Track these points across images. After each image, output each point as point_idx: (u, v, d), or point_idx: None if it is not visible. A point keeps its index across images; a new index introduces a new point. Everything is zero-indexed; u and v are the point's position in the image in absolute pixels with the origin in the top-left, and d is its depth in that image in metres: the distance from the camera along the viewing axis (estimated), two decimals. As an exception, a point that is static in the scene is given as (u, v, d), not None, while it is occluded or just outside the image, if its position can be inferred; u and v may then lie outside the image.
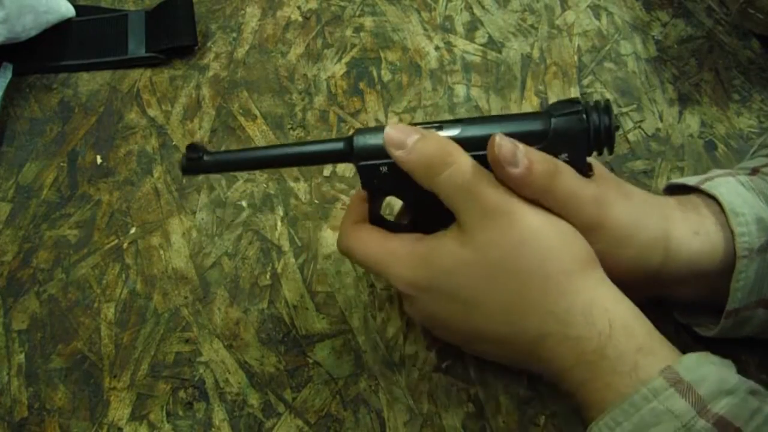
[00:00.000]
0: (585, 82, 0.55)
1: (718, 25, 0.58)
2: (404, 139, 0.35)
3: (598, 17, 0.59)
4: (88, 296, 0.46)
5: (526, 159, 0.33)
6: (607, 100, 0.36)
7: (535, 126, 0.35)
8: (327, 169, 0.51)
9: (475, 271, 0.34)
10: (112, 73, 0.56)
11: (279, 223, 0.49)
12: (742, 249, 0.36)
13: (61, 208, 0.49)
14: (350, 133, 0.38)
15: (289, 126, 0.53)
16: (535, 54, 0.57)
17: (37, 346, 0.44)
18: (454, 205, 0.35)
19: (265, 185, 0.50)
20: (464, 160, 0.34)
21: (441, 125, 0.37)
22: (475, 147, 0.35)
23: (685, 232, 0.37)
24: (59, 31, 0.56)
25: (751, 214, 0.36)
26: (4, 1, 0.51)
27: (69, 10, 0.57)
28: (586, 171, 0.36)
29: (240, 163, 0.39)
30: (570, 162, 0.35)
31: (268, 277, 0.46)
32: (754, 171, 0.40)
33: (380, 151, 0.36)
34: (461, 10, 0.60)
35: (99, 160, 0.52)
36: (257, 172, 0.51)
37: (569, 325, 0.33)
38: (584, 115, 0.35)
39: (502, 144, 0.33)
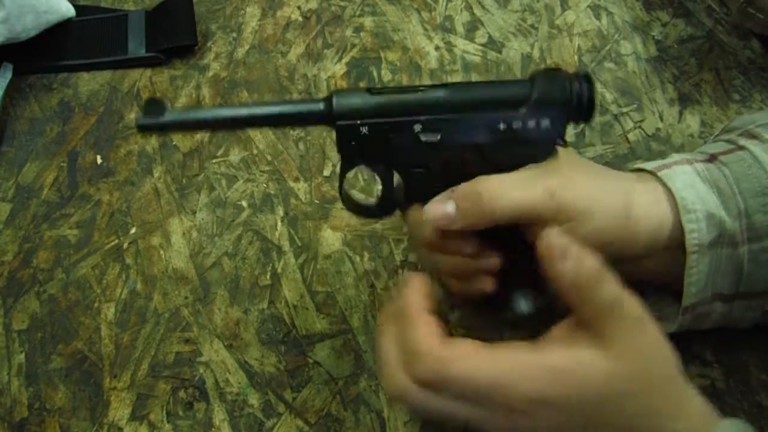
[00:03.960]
0: (585, 82, 0.55)
1: (719, 25, 0.58)
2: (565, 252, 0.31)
3: (598, 17, 0.59)
4: (88, 296, 0.46)
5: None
6: (587, 72, 0.36)
7: (517, 91, 0.36)
8: (327, 169, 0.51)
9: (622, 386, 0.31)
10: (112, 73, 0.56)
11: (279, 223, 0.49)
12: (692, 245, 0.36)
13: (61, 208, 0.49)
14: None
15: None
16: (536, 54, 0.57)
17: (37, 346, 0.44)
18: (600, 323, 0.31)
19: (265, 185, 0.50)
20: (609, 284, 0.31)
21: (425, 89, 0.36)
22: (461, 109, 0.36)
23: (646, 199, 0.38)
24: (59, 31, 0.56)
25: (702, 210, 0.37)
26: (4, 1, 0.51)
27: (69, 10, 0.57)
28: (563, 139, 0.37)
29: (206, 123, 0.37)
30: (549, 129, 0.36)
31: (268, 277, 0.46)
32: (712, 157, 0.39)
33: (360, 111, 0.35)
34: (461, 9, 0.60)
35: (99, 160, 0.52)
36: (257, 172, 0.51)
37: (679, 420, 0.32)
38: (567, 84, 0.36)
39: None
